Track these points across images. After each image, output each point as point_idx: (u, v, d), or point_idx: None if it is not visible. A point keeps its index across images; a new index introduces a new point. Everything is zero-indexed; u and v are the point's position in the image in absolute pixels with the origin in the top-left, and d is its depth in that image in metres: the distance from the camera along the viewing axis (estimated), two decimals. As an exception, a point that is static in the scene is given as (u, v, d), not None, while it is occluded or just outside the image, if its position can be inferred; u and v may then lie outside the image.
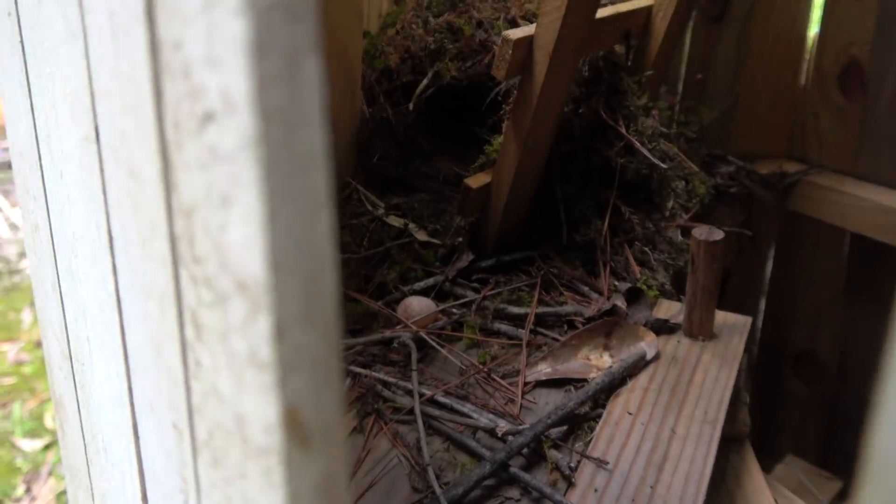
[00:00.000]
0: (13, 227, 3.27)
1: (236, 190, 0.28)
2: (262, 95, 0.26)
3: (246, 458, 0.32)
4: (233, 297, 0.30)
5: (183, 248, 0.34)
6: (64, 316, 0.67)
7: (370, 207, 1.44)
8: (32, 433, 2.25)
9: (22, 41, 0.57)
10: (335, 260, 0.30)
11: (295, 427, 0.29)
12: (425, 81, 1.47)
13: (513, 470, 0.92)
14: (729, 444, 1.16)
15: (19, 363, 2.53)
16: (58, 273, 0.63)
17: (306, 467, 0.30)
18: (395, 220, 1.42)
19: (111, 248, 0.47)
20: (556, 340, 1.17)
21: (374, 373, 1.10)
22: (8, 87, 0.64)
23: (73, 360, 0.67)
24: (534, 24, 1.15)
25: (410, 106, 1.47)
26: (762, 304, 1.90)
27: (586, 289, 1.29)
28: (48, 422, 2.26)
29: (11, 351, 2.57)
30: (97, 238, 0.48)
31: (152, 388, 0.46)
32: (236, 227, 0.29)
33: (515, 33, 1.13)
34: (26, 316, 2.71)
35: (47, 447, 2.18)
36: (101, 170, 0.45)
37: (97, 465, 0.66)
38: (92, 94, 0.42)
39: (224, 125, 0.28)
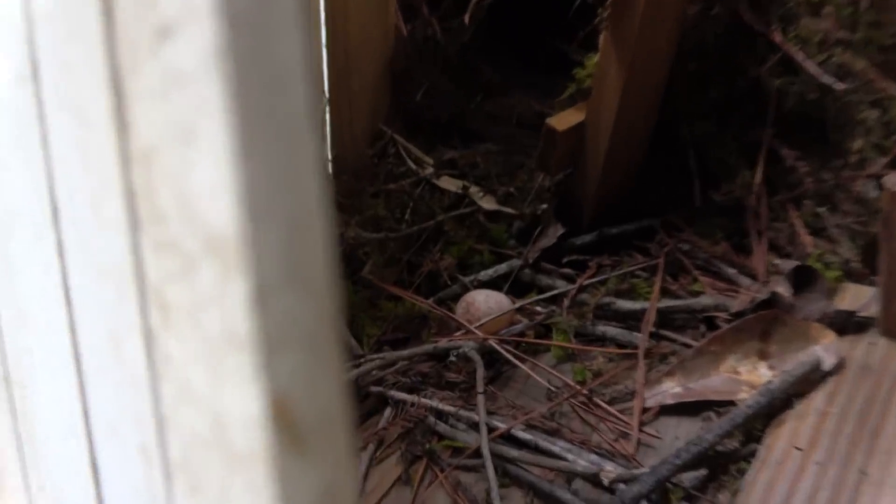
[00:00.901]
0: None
1: (201, 119, 0.31)
2: (227, 1, 0.29)
3: (229, 473, 0.35)
4: (202, 262, 0.33)
5: (142, 205, 0.37)
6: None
7: (413, 166, 1.47)
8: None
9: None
10: (326, 203, 0.32)
11: (285, 423, 0.32)
12: (486, -19, 1.49)
13: (626, 531, 0.94)
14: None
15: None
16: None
17: (302, 476, 0.32)
18: (449, 183, 1.45)
19: (56, 221, 0.50)
20: (689, 347, 1.18)
21: (424, 399, 1.12)
22: None
23: (11, 381, 0.71)
24: None
25: (466, 19, 1.49)
26: None
27: (732, 271, 1.28)
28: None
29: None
30: (39, 210, 0.52)
31: (113, 404, 0.49)
32: (203, 167, 0.32)
33: None
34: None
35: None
36: (41, 118, 0.48)
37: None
38: (29, 17, 0.46)
39: (184, 38, 0.30)
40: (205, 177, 0.33)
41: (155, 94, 0.35)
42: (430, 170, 1.47)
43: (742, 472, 1.00)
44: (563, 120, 1.33)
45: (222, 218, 0.33)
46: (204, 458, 0.38)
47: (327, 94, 1.45)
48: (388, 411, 1.14)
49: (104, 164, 0.41)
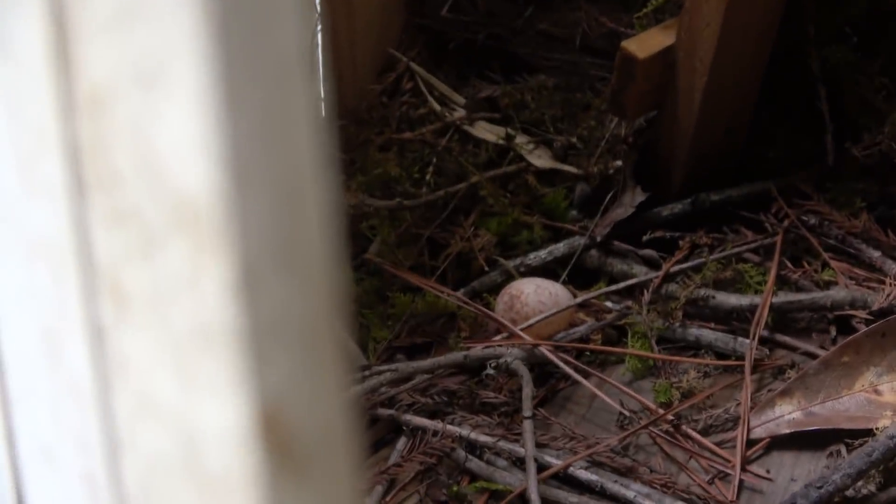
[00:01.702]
0: None
1: (170, 56, 0.33)
2: None
3: (202, 504, 0.39)
4: (169, 238, 0.35)
5: (89, 165, 0.40)
6: None
7: (437, 107, 1.49)
8: None
9: None
10: (325, 164, 0.36)
11: (276, 440, 0.35)
12: None
13: None
14: None
15: None
16: None
17: (298, 506, 0.36)
18: (487, 131, 1.46)
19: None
20: (813, 357, 1.20)
21: (451, 426, 1.16)
22: None
23: None
24: None
25: None
26: None
27: (877, 254, 1.31)
28: None
29: None
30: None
31: (47, 422, 0.52)
32: (171, 116, 0.34)
33: None
34: None
35: None
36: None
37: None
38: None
39: None
40: (174, 129, 0.36)
41: (110, 26, 0.37)
42: (460, 112, 1.49)
43: (882, 528, 1.03)
44: (646, 43, 1.35)
45: (196, 182, 0.35)
46: (170, 487, 0.41)
47: (319, 8, 1.46)
48: (402, 441, 1.17)
49: (39, 112, 0.42)
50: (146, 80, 0.36)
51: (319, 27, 1.47)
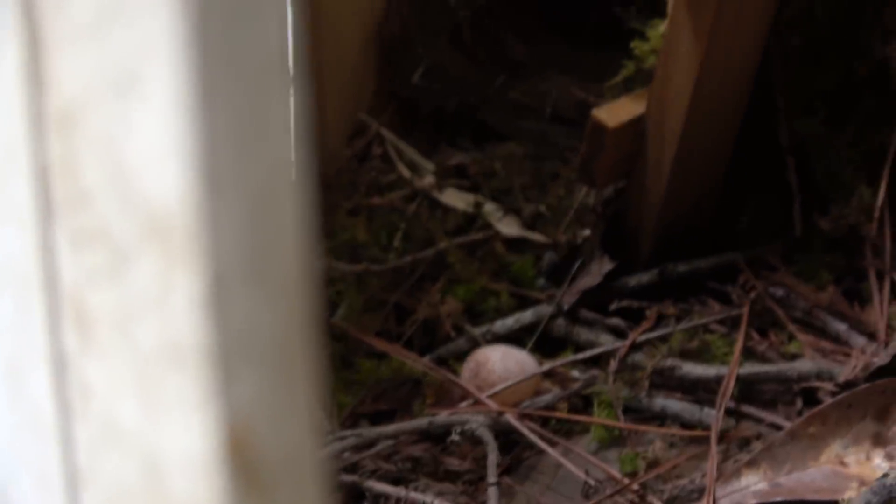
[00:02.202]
0: None
1: (144, 63, 0.33)
2: None
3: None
4: (138, 253, 0.36)
5: (58, 184, 0.39)
6: None
7: (407, 173, 1.49)
8: None
9: None
10: (302, 175, 0.36)
11: (243, 462, 0.35)
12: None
13: None
14: None
15: None
16: None
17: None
18: (456, 198, 1.47)
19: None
20: (779, 428, 1.21)
21: (414, 494, 1.16)
22: None
23: None
24: None
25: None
26: None
27: (843, 327, 1.32)
28: None
29: None
30: None
31: (6, 456, 0.53)
32: (144, 126, 0.34)
33: None
34: None
35: None
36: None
37: None
38: None
39: None
40: (147, 138, 0.35)
41: (81, 34, 0.37)
42: (429, 179, 1.50)
43: None
44: (616, 113, 1.36)
45: (167, 191, 0.35)
46: None
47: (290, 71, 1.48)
48: (364, 509, 1.17)
49: (9, 133, 0.43)
50: (119, 89, 0.36)
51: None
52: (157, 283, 0.37)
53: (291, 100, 0.37)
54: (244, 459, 0.37)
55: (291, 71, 0.37)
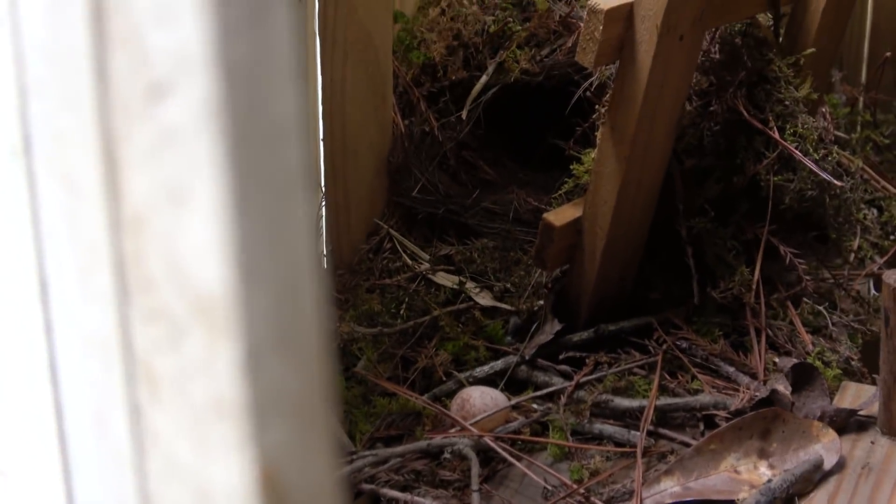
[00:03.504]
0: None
1: (193, 178, 0.32)
2: (223, 50, 0.30)
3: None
4: (190, 327, 0.34)
5: (131, 273, 0.38)
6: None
7: (409, 261, 1.48)
8: None
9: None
10: (318, 265, 0.33)
11: (274, 495, 0.32)
12: (484, 79, 1.52)
13: None
14: None
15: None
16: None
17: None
18: (445, 279, 1.46)
19: (44, 297, 0.51)
20: (688, 445, 1.17)
21: (417, 498, 1.12)
22: None
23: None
24: (634, -13, 1.19)
25: (463, 115, 1.53)
26: None
27: (731, 369, 1.29)
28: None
29: None
30: (26, 287, 0.53)
31: (97, 485, 0.49)
32: (194, 228, 0.33)
33: (607, 1, 1.17)
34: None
35: None
36: (32, 192, 0.49)
37: None
38: (22, 89, 0.47)
39: (177, 95, 0.31)
40: (196, 238, 0.34)
41: (147, 157, 0.36)
42: (425, 265, 1.49)
43: (743, 575, 0.99)
44: (561, 215, 1.35)
45: (212, 279, 0.34)
46: None
47: (323, 189, 1.47)
48: (379, 510, 1.13)
49: (94, 233, 0.41)
50: (174, 199, 0.35)
51: (323, 203, 1.47)
52: (205, 351, 0.36)
53: (311, 208, 0.34)
54: (275, 493, 0.35)
55: (310, 185, 0.35)
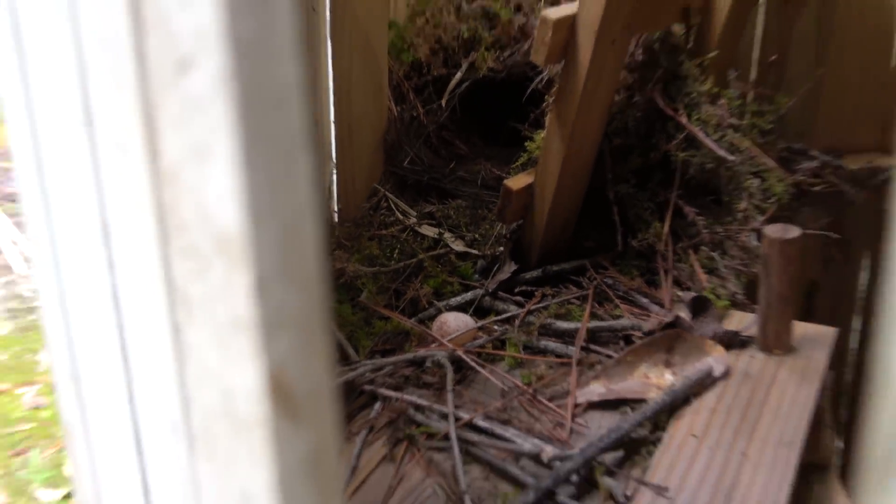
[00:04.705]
0: (29, 261, 3.39)
1: (213, 138, 0.31)
2: (234, 28, 0.29)
3: (235, 440, 0.34)
4: (214, 260, 0.33)
5: (169, 218, 0.37)
6: (68, 331, 0.70)
7: (401, 216, 1.47)
8: (51, 482, 2.31)
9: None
10: (316, 208, 0.32)
11: (281, 394, 0.32)
12: (459, 75, 1.50)
13: (561, 499, 0.93)
14: (812, 472, 1.15)
15: (37, 407, 2.59)
16: (60, 284, 0.66)
17: (294, 439, 0.32)
18: (428, 230, 1.45)
19: (106, 240, 0.50)
20: (611, 358, 1.18)
21: (406, 395, 1.12)
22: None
23: (78, 380, 0.70)
24: (576, 2, 1.17)
25: (443, 103, 1.51)
26: (856, 322, 1.87)
27: (645, 300, 1.29)
28: (68, 469, 2.33)
29: (28, 394, 2.63)
30: (91, 233, 0.52)
31: (149, 389, 0.49)
32: (215, 180, 0.32)
33: (555, 12, 1.15)
34: (44, 357, 2.80)
35: (66, 497, 2.24)
36: (94, 154, 0.48)
37: (105, 491, 0.69)
38: (82, 72, 0.46)
39: (199, 68, 0.30)
40: (217, 187, 0.33)
41: (177, 121, 0.35)
42: (413, 220, 1.47)
43: (650, 454, 1.00)
44: (518, 181, 1.34)
45: (230, 221, 0.33)
46: (217, 429, 0.37)
47: (335, 159, 1.46)
48: (377, 405, 1.13)
49: (140, 186, 0.40)
50: (200, 156, 0.34)
51: (335, 171, 1.46)
52: (225, 279, 0.35)
53: (310, 161, 0.33)
54: (282, 392, 0.34)
55: (310, 142, 0.33)
